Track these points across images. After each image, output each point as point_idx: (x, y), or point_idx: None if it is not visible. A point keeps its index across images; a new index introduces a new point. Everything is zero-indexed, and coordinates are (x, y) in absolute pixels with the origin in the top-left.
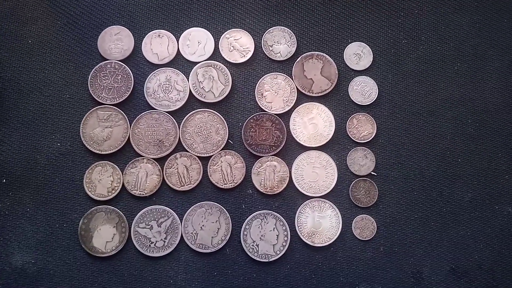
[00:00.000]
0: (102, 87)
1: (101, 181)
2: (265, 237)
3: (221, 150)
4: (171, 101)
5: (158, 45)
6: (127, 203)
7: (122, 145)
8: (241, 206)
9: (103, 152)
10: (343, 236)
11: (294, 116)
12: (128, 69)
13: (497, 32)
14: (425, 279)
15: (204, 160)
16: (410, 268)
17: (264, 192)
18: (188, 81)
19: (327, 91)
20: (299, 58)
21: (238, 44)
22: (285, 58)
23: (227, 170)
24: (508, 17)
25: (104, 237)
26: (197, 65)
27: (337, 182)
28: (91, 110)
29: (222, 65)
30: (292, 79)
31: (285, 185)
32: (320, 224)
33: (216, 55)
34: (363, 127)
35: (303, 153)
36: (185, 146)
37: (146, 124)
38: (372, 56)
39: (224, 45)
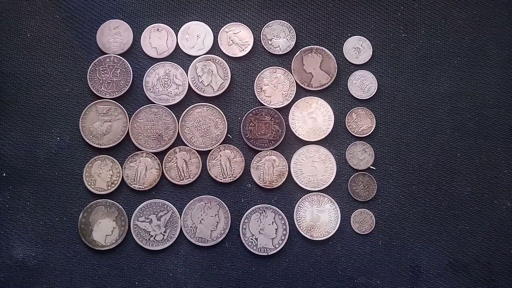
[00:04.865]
0: (101, 81)
1: (100, 175)
2: (264, 231)
3: (220, 144)
4: (170, 95)
5: (157, 39)
6: (126, 197)
7: (121, 139)
8: (240, 200)
9: (102, 146)
10: (341, 230)
11: (293, 110)
12: (127, 63)
13: (496, 26)
14: (423, 273)
15: (203, 154)
16: (408, 262)
17: (263, 186)
18: (187, 75)
19: (327, 85)
20: (299, 52)
21: (237, 38)
22: (284, 52)
23: (226, 164)
24: (507, 11)
25: (104, 230)
26: (196, 59)
27: (336, 176)
28: (90, 104)
29: (221, 59)
30: (291, 73)
31: (284, 179)
32: (319, 218)
33: (215, 49)
34: (362, 121)
35: (302, 147)
36: (184, 140)
37: (145, 118)
38: (371, 50)
39: (223, 39)
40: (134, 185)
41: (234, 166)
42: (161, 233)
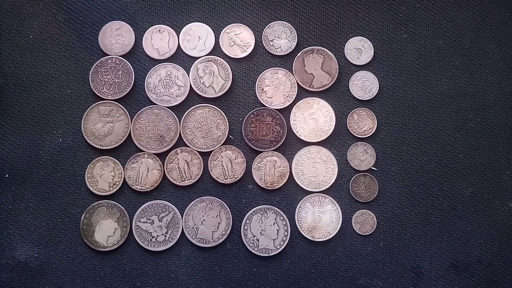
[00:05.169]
0: (103, 83)
1: (102, 176)
2: (265, 232)
3: (221, 145)
4: (171, 96)
5: (159, 40)
6: (128, 198)
7: (123, 140)
8: (242, 201)
9: (104, 147)
10: (343, 231)
11: (294, 111)
12: (129, 64)
13: (497, 27)
14: (425, 274)
15: (205, 155)
16: (410, 263)
17: (264, 187)
18: (188, 76)
19: (328, 86)
20: (300, 53)
21: (239, 39)
22: (286, 53)
23: (227, 165)
24: (508, 11)
25: (106, 231)
26: (197, 60)
27: (337, 177)
28: (92, 106)
29: (223, 60)
30: (292, 74)
31: (285, 180)
32: (320, 219)
33: (216, 50)
34: (363, 122)
35: (303, 148)
36: (185, 141)
37: (147, 119)
38: (372, 50)
39: (225, 40)
40: (136, 186)
41: (236, 167)
42: (162, 234)
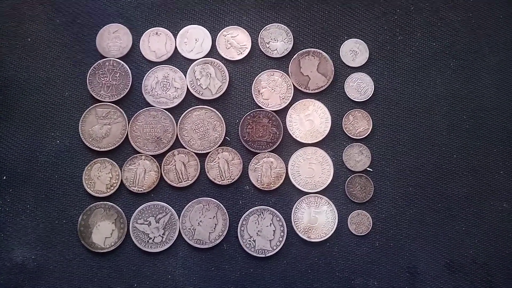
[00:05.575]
0: (100, 85)
1: (100, 177)
2: (262, 233)
3: (218, 146)
4: (168, 98)
5: (156, 42)
6: (125, 199)
7: (120, 142)
8: (238, 202)
9: (102, 149)
10: (339, 232)
11: (290, 112)
12: (126, 66)
13: (492, 29)
14: (420, 273)
15: (202, 157)
16: (405, 263)
17: (261, 188)
18: (185, 78)
19: (323, 88)
20: (296, 55)
21: (235, 42)
22: (282, 55)
23: (224, 167)
24: (503, 13)
25: (103, 233)
26: (194, 63)
27: (333, 178)
28: (89, 108)
29: (219, 62)
30: (288, 76)
31: (281, 181)
32: (316, 219)
33: (213, 53)
34: (359, 124)
35: (299, 149)
36: (182, 143)
37: (144, 121)
38: (368, 53)
39: (221, 43)
40: (133, 188)
41: (232, 168)
42: (159, 235)
